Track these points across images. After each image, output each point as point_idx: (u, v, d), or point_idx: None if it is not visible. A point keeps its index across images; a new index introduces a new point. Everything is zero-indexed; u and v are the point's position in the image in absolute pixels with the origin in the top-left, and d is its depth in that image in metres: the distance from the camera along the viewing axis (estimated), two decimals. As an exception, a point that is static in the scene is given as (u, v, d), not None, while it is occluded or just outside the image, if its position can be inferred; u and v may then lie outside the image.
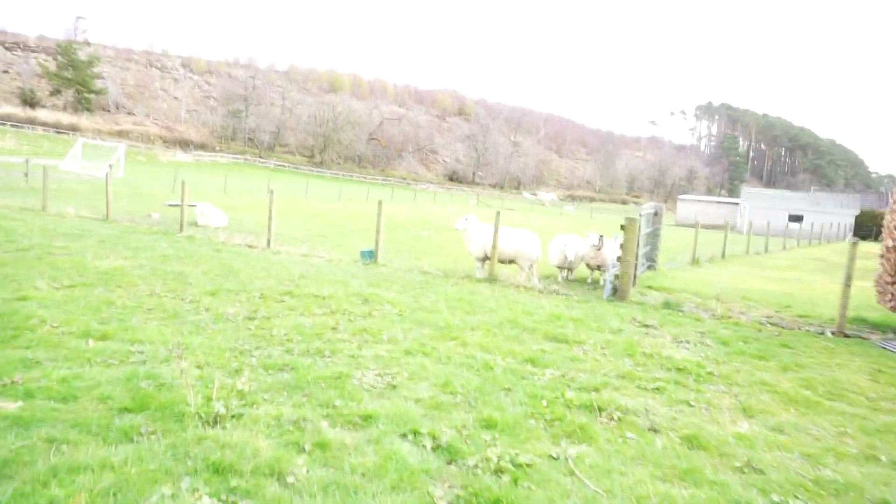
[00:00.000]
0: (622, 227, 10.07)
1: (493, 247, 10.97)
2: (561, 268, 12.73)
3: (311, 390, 4.89)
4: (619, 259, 10.12)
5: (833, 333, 8.84)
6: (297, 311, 7.50)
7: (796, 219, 44.14)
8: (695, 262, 18.06)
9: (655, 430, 4.68)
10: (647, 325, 8.44)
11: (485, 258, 11.41)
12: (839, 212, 44.98)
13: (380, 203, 12.02)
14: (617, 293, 10.18)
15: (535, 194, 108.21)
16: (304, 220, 21.80)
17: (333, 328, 6.83)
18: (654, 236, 14.02)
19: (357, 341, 6.40)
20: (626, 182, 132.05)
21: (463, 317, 7.90)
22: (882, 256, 9.64)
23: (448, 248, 17.19)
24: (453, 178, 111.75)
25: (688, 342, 7.65)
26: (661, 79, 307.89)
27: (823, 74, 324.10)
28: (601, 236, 11.97)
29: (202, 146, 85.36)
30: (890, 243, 9.32)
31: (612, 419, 4.86)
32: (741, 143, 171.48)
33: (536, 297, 9.93)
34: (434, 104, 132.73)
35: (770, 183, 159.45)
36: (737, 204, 62.83)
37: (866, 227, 45.72)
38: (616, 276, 10.18)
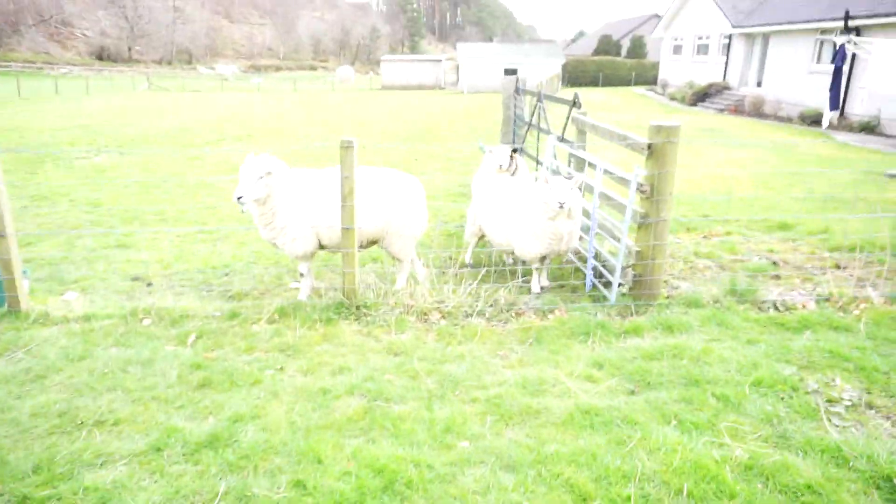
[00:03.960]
0: (649, 149, 4.42)
1: (348, 227, 4.42)
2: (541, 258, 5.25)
3: None
4: (643, 215, 4.55)
5: None
6: None
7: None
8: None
9: None
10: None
11: (316, 250, 4.82)
12: (548, 62, 45.14)
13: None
14: (639, 288, 4.72)
15: (212, 68, 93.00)
16: None
17: None
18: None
19: None
20: (311, 46, 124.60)
21: None
22: None
23: (165, 192, 9.45)
24: (103, 56, 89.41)
25: None
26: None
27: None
28: (514, 151, 6.12)
29: None
30: None
31: None
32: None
33: (496, 350, 3.98)
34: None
35: (443, 37, 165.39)
36: (439, 61, 60.62)
37: (569, 75, 47.23)
38: (634, 261, 4.63)
